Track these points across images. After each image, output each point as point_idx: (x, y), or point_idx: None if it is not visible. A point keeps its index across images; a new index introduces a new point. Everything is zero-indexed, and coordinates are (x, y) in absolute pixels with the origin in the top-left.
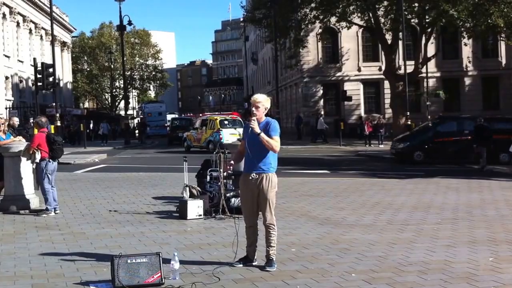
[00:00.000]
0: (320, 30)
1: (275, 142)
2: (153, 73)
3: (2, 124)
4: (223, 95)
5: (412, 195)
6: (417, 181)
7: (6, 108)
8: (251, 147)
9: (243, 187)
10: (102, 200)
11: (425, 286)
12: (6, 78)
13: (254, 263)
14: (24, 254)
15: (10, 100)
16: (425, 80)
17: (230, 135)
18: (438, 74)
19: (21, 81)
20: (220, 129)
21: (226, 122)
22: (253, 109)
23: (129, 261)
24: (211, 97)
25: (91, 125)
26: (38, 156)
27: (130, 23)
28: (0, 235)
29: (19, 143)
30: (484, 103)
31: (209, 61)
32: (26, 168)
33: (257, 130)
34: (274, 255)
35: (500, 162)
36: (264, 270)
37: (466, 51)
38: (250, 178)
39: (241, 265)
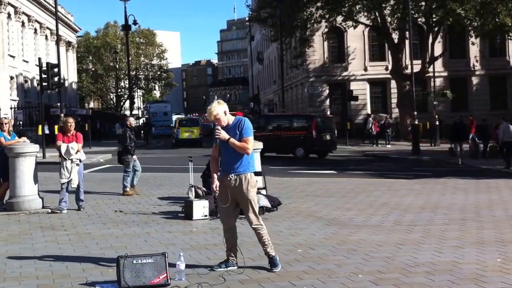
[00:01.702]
0: (326, 29)
1: (246, 145)
2: (158, 73)
3: (6, 124)
4: (228, 95)
5: (419, 196)
6: (425, 182)
7: (11, 108)
8: (225, 150)
9: (221, 188)
10: (107, 201)
11: (433, 287)
12: (11, 78)
13: (234, 267)
14: (30, 254)
15: (15, 100)
16: (432, 79)
17: (184, 132)
18: (445, 74)
19: (26, 81)
20: (178, 127)
21: (184, 121)
22: (216, 123)
23: (134, 261)
24: (216, 97)
25: (98, 125)
26: (83, 156)
27: (135, 22)
28: (6, 235)
29: (23, 144)
30: (491, 103)
31: (215, 60)
32: (31, 168)
33: (225, 137)
34: (273, 251)
35: (296, 157)
36: (271, 272)
37: (474, 50)
38: (228, 179)
39: (223, 268)
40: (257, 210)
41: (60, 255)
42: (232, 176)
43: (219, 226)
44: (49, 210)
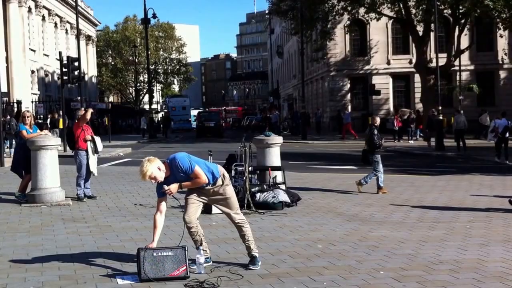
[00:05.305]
0: (348, 22)
1: (198, 180)
2: (177, 67)
3: (28, 117)
4: (247, 89)
5: (443, 192)
6: (449, 178)
7: (32, 102)
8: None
9: (197, 190)
10: (127, 194)
11: (457, 285)
12: (32, 72)
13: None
14: (52, 246)
15: (36, 94)
16: (458, 73)
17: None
18: (471, 67)
19: (46, 75)
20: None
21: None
22: (153, 182)
23: (154, 254)
24: (235, 91)
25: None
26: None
27: (154, 16)
28: (28, 227)
29: (45, 137)
30: None
31: (234, 54)
32: (52, 161)
33: (176, 189)
34: (256, 250)
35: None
36: (248, 269)
37: (502, 43)
38: (206, 189)
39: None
40: (237, 205)
41: (81, 247)
42: (208, 186)
43: None
44: (71, 201)
